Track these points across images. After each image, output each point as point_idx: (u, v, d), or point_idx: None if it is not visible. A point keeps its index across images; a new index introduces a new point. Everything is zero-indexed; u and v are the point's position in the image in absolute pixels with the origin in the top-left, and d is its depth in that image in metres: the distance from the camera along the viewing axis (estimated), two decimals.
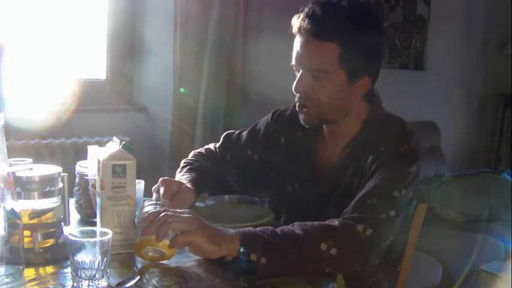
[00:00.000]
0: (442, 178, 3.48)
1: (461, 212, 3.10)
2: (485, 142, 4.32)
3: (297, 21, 1.34)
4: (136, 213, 1.27)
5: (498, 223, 3.04)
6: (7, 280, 1.08)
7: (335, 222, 1.24)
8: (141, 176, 1.40)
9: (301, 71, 1.36)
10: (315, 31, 1.31)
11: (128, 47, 2.71)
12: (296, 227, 1.22)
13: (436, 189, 3.26)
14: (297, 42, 1.36)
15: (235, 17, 2.66)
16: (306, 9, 1.34)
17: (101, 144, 1.45)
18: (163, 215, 1.17)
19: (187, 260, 1.24)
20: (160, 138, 2.68)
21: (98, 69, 2.70)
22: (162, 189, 1.39)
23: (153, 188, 1.43)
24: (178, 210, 1.21)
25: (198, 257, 1.26)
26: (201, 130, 2.67)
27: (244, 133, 1.64)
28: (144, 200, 1.36)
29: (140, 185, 1.46)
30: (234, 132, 1.66)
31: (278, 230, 1.22)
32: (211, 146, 1.68)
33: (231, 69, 2.70)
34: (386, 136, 1.37)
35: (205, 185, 1.53)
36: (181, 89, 2.62)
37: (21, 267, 1.11)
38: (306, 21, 1.31)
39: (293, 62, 1.39)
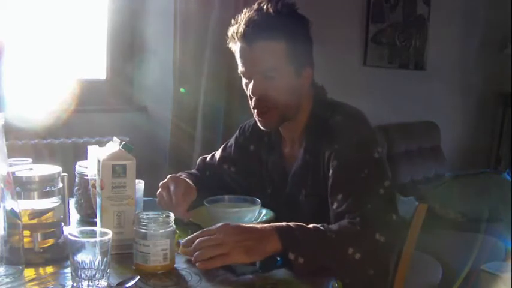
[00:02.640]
0: (442, 178, 3.48)
1: (461, 212, 3.10)
2: (485, 142, 4.32)
3: (239, 30, 1.39)
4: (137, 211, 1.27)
5: (498, 223, 3.03)
6: (7, 280, 1.08)
7: (357, 227, 1.25)
8: (141, 176, 1.40)
9: (253, 77, 1.41)
10: (260, 34, 1.37)
11: (128, 47, 2.70)
12: (326, 229, 1.25)
13: (436, 189, 3.25)
14: (243, 50, 1.40)
15: (235, 17, 2.66)
16: (242, 18, 1.40)
17: (101, 144, 1.45)
18: (198, 241, 1.19)
19: (187, 260, 1.25)
20: (160, 138, 2.68)
21: (98, 69, 2.70)
22: (172, 187, 1.46)
23: (160, 184, 1.50)
24: (213, 228, 1.22)
25: None
26: (201, 130, 2.67)
27: (217, 152, 1.73)
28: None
29: (140, 185, 1.47)
30: (207, 156, 1.76)
31: (312, 229, 1.24)
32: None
33: (231, 69, 2.69)
34: (333, 127, 1.40)
35: (202, 184, 1.60)
36: (181, 89, 2.62)
37: (21, 267, 1.12)
38: (250, 27, 1.37)
39: (241, 69, 1.43)
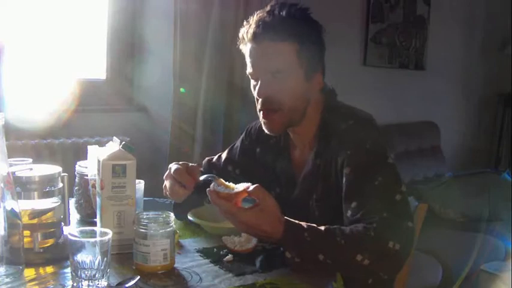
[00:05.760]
0: (442, 178, 3.49)
1: (461, 212, 3.11)
2: (485, 142, 4.32)
3: (249, 31, 1.38)
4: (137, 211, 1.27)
5: (498, 223, 3.04)
6: (7, 280, 1.08)
7: (370, 233, 1.24)
8: (141, 176, 1.40)
9: (261, 78, 1.39)
10: (270, 34, 1.36)
11: (128, 47, 2.70)
12: (338, 232, 1.24)
13: (436, 189, 3.26)
14: (253, 50, 1.39)
15: (235, 17, 2.66)
16: (254, 19, 1.38)
17: (101, 144, 1.45)
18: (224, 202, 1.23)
19: (187, 260, 1.25)
20: (160, 138, 2.68)
21: (98, 69, 2.70)
22: (173, 169, 1.47)
23: (164, 177, 1.51)
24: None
25: (198, 257, 1.27)
26: (201, 130, 2.67)
27: (224, 153, 1.71)
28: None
29: (140, 185, 1.47)
30: (213, 157, 1.75)
31: (323, 232, 1.24)
32: None
33: (231, 69, 2.69)
34: (345, 132, 1.38)
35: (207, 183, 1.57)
36: (181, 89, 2.62)
37: (21, 267, 1.12)
38: (261, 27, 1.36)
39: (250, 70, 1.41)
